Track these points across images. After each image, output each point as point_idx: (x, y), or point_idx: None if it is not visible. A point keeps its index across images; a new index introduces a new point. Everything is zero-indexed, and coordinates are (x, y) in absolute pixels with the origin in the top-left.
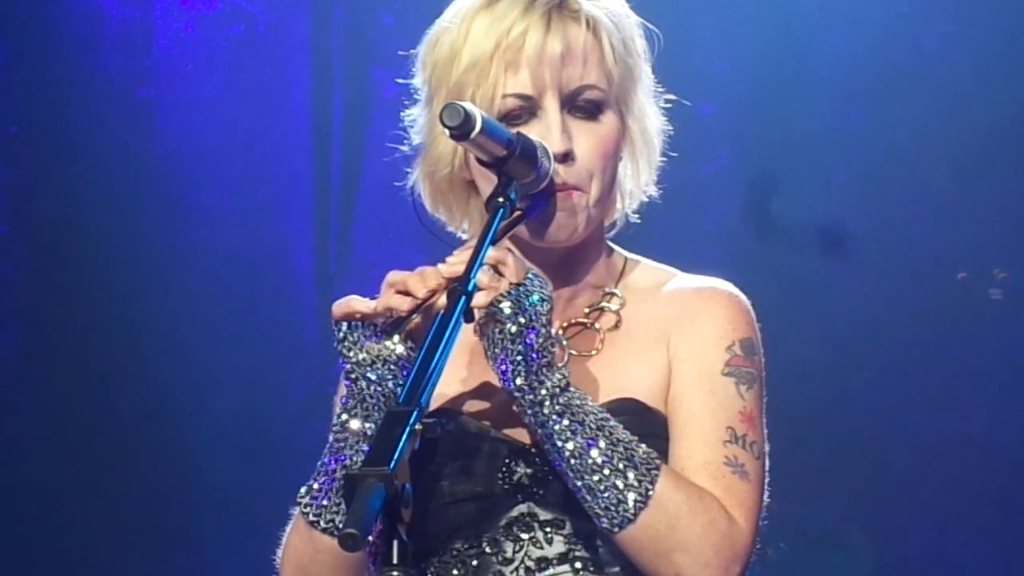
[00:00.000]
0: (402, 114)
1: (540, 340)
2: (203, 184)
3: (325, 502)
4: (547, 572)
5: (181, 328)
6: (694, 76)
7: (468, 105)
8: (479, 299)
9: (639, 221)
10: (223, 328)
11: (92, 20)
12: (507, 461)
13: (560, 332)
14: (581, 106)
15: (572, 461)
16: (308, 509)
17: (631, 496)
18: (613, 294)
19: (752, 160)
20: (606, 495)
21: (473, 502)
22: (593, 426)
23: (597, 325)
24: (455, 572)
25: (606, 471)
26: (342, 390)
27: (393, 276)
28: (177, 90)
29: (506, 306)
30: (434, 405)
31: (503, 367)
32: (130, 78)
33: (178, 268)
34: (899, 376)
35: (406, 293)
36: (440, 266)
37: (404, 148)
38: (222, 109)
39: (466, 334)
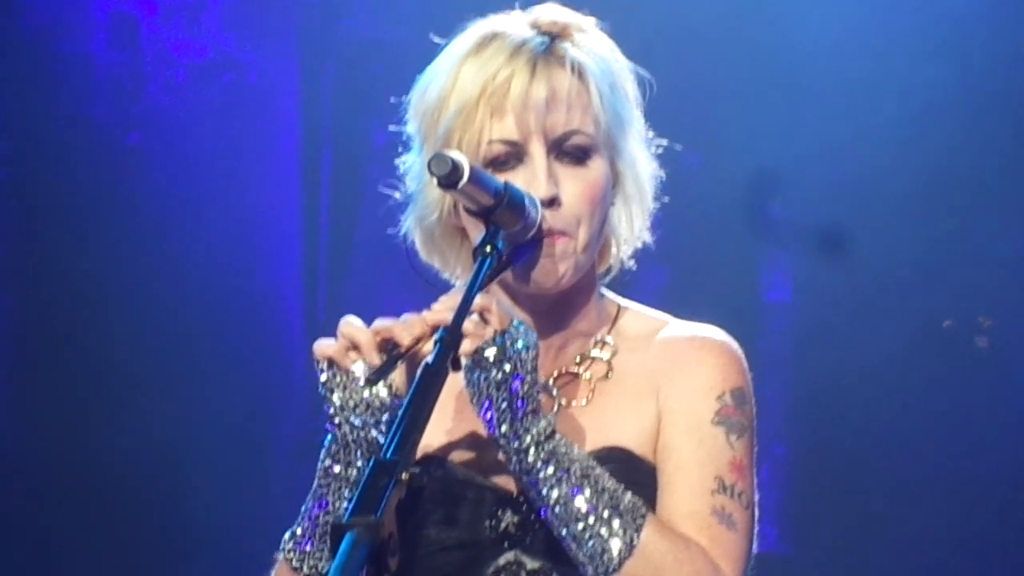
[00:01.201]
0: (396, 161)
1: (525, 387)
2: (193, 231)
3: (308, 548)
4: None
5: (170, 375)
6: (681, 124)
7: (456, 154)
8: (465, 346)
9: (635, 268)
10: (212, 375)
11: (82, 65)
12: (494, 509)
13: (551, 382)
14: (568, 151)
15: (557, 509)
16: (291, 555)
17: (616, 545)
18: (604, 342)
19: (738, 209)
20: (591, 543)
21: (460, 550)
22: (578, 474)
23: (588, 375)
24: None
25: (591, 519)
26: None
27: (378, 323)
28: (167, 137)
29: (491, 353)
30: (421, 452)
31: (488, 414)
32: (120, 124)
33: (167, 315)
34: (884, 423)
35: (391, 340)
36: (425, 313)
37: (396, 195)
38: (213, 156)
39: (454, 381)
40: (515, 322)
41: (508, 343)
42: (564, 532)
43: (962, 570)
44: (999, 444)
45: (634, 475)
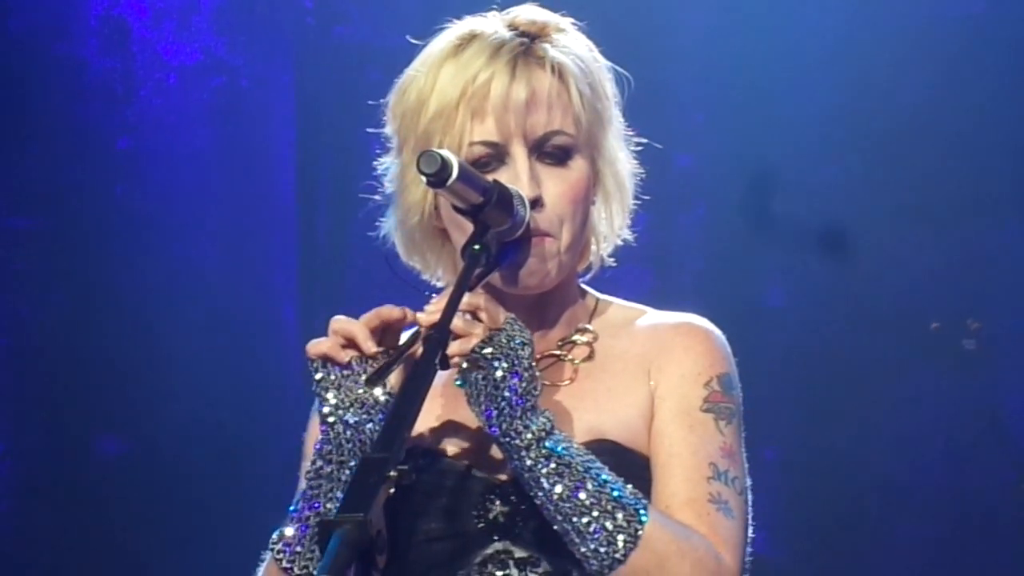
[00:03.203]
0: (375, 163)
1: (523, 384)
2: (186, 235)
3: (299, 549)
4: None
5: (162, 380)
6: (670, 125)
7: (445, 152)
8: (456, 347)
9: (615, 265)
10: (205, 381)
11: (72, 69)
12: (482, 498)
13: (535, 366)
14: (549, 152)
15: (561, 504)
16: (281, 556)
17: (620, 537)
18: (585, 329)
19: (729, 211)
20: (596, 536)
21: (448, 540)
22: (580, 468)
23: (570, 356)
24: None
25: (595, 513)
26: (313, 430)
27: (369, 314)
28: (159, 141)
29: (488, 352)
30: (409, 444)
31: (487, 413)
32: (111, 128)
33: (160, 320)
34: (873, 426)
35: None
36: (418, 315)
37: (378, 199)
38: (206, 161)
39: (441, 372)
40: (509, 319)
41: (504, 340)
42: (568, 527)
43: (954, 573)
44: (989, 446)
45: (624, 467)
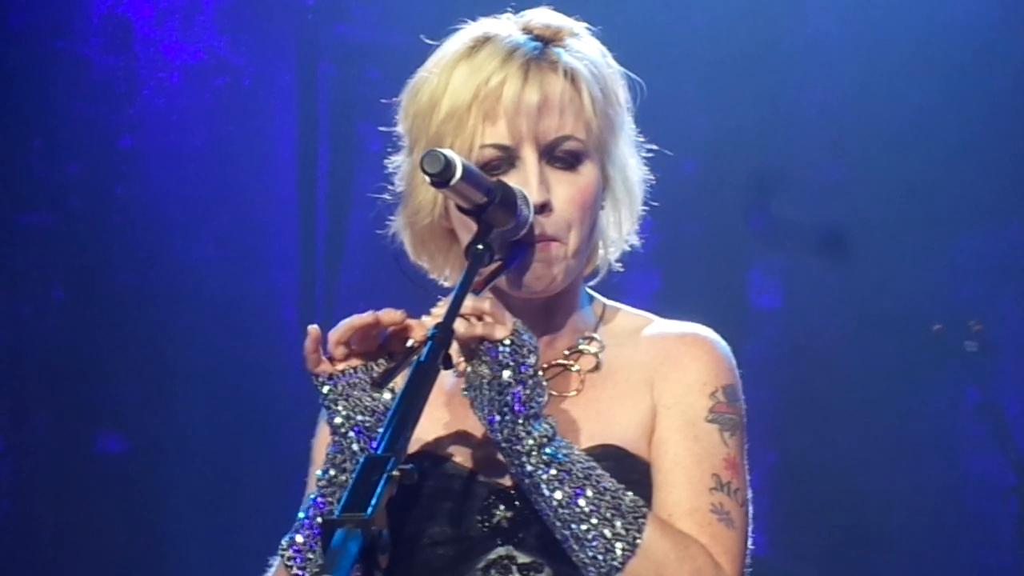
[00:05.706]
0: (386, 161)
1: (527, 391)
2: (188, 235)
3: (311, 555)
4: None
5: (164, 378)
6: (675, 131)
7: (449, 152)
8: (463, 328)
9: (622, 270)
10: (207, 379)
11: (75, 67)
12: (486, 503)
13: (540, 374)
14: (560, 157)
15: (560, 511)
16: (292, 563)
17: (619, 545)
18: (592, 338)
19: (734, 212)
20: (594, 544)
21: (451, 544)
22: (580, 475)
23: (576, 367)
24: None
25: (593, 520)
26: (322, 436)
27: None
28: (161, 140)
29: (492, 356)
30: (413, 447)
31: (490, 418)
32: (113, 126)
33: (161, 319)
34: (875, 429)
35: (394, 338)
36: (424, 318)
37: (386, 197)
38: (207, 160)
39: (446, 377)
40: (517, 325)
41: (510, 346)
42: (566, 533)
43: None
44: (990, 448)
45: (629, 472)
